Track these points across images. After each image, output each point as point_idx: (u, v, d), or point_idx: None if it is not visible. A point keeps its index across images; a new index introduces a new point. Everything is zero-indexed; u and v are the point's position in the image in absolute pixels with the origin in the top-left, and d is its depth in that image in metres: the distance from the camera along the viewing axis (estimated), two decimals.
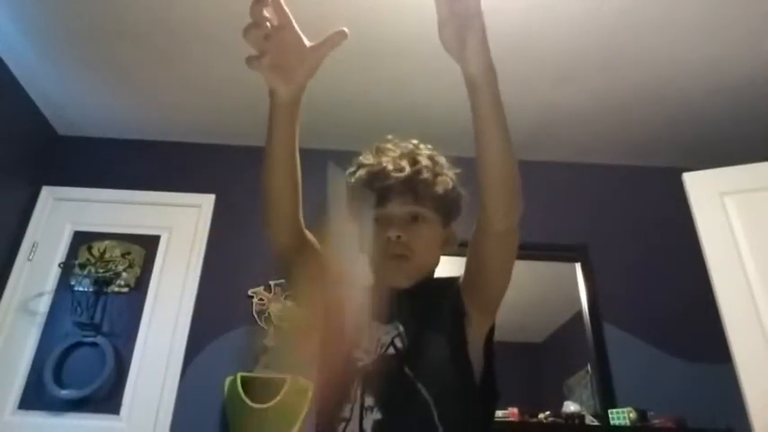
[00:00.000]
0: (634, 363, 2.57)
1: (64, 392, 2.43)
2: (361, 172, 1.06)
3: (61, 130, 3.08)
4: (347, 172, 1.10)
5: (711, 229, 2.32)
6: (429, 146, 1.09)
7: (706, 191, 2.39)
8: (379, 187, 1.02)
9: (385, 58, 2.50)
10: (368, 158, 1.07)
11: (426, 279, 1.06)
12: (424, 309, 1.02)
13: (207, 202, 2.90)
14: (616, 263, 2.81)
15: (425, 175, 1.03)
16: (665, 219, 2.88)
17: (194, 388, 2.47)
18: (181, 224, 2.85)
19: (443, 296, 1.03)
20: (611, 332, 2.63)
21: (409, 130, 3.30)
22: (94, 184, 2.93)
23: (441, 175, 1.05)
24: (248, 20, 0.84)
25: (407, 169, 1.02)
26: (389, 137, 1.11)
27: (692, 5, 2.20)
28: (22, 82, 2.73)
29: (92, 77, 2.71)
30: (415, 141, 1.09)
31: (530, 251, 2.81)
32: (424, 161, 1.04)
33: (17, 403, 2.45)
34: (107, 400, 2.46)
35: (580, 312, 2.70)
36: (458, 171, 1.09)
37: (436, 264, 1.08)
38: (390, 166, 1.03)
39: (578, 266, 2.79)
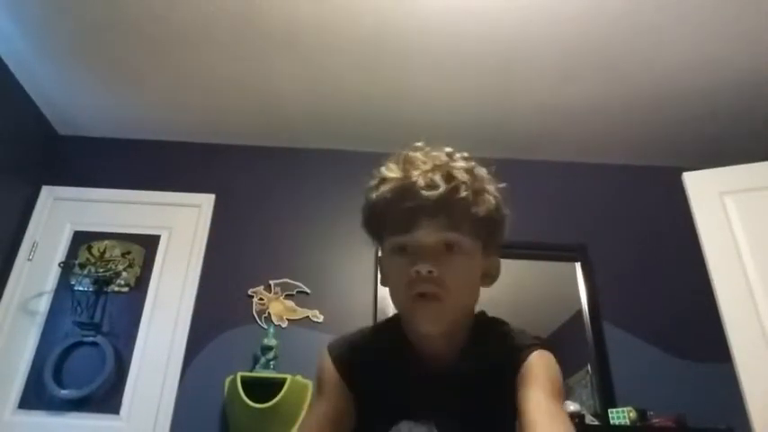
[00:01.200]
0: (634, 362, 2.57)
1: (64, 392, 2.43)
2: (385, 188, 0.85)
3: (61, 130, 3.08)
4: (367, 186, 0.89)
5: (711, 228, 2.32)
6: (465, 154, 0.89)
7: (706, 191, 2.39)
8: (406, 208, 0.82)
9: (385, 58, 2.50)
10: (392, 171, 0.86)
11: (477, 355, 0.86)
12: (470, 407, 0.82)
13: (207, 202, 2.90)
14: (616, 263, 2.81)
15: (463, 193, 0.82)
16: (665, 219, 2.89)
17: (194, 388, 2.47)
18: (181, 224, 2.85)
19: (496, 388, 0.83)
20: (611, 332, 2.63)
21: (409, 130, 3.30)
22: (94, 184, 2.93)
23: (482, 192, 0.85)
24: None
25: (441, 186, 0.81)
26: (419, 144, 0.89)
27: (691, 5, 2.20)
28: (22, 82, 2.73)
29: (92, 77, 2.70)
30: (448, 149, 0.88)
31: (530, 251, 2.81)
32: (462, 176, 0.83)
33: (17, 403, 2.44)
34: (107, 399, 2.46)
35: (580, 312, 2.70)
36: (502, 186, 0.90)
37: (474, 302, 0.89)
38: (421, 182, 0.82)
39: (578, 266, 2.79)
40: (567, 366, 2.69)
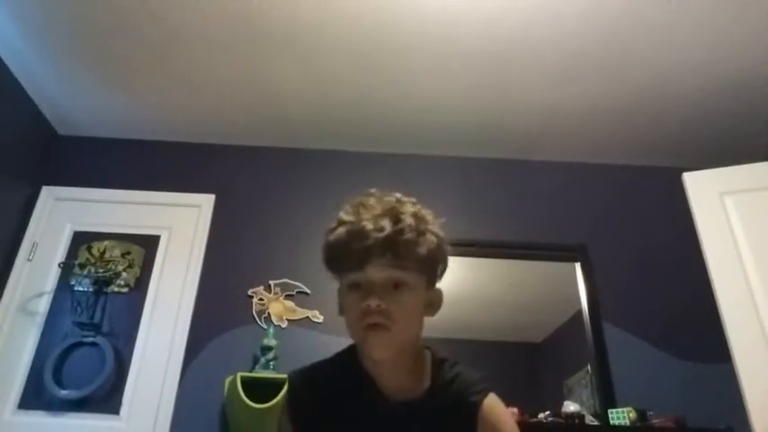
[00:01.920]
0: (634, 363, 2.57)
1: (64, 392, 2.43)
2: (341, 230, 0.97)
3: (61, 130, 3.08)
4: (327, 228, 1.01)
5: (711, 229, 2.32)
6: (413, 199, 1.01)
7: (706, 191, 2.39)
8: (358, 249, 0.94)
9: (385, 58, 2.50)
10: (348, 215, 0.98)
11: (436, 391, 0.98)
12: None
13: (207, 202, 2.90)
14: (616, 263, 2.81)
15: (408, 234, 0.94)
16: (665, 219, 2.89)
17: (194, 388, 2.47)
18: (181, 224, 2.85)
19: (453, 425, 0.95)
20: (611, 332, 2.63)
21: (408, 130, 3.30)
22: (94, 184, 2.93)
23: (425, 233, 0.96)
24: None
25: (388, 229, 0.93)
26: (372, 190, 1.02)
27: (691, 6, 2.20)
28: (22, 82, 2.73)
29: (92, 77, 2.70)
30: (398, 195, 1.00)
31: (530, 251, 2.81)
32: (408, 219, 0.95)
33: (17, 403, 2.44)
34: (107, 400, 2.46)
35: (580, 312, 2.70)
36: (443, 222, 1.01)
37: (419, 331, 1.01)
38: (370, 226, 0.94)
39: (578, 266, 2.79)
40: (567, 366, 2.69)
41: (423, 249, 0.95)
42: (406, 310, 0.94)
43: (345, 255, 0.96)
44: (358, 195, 1.01)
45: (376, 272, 0.93)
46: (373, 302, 0.92)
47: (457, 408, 0.96)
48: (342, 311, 1.01)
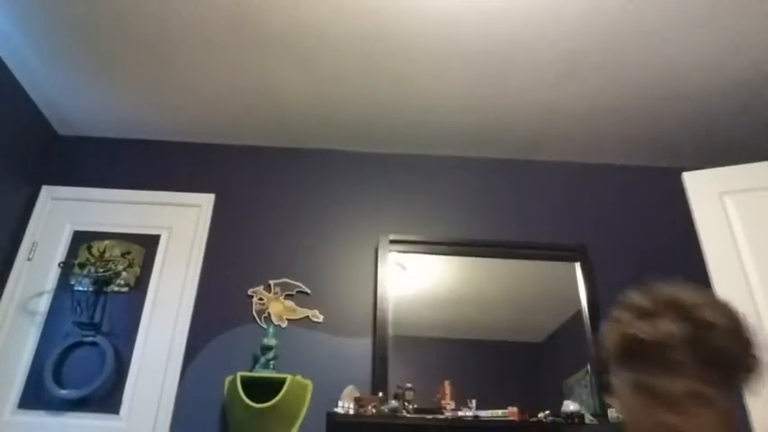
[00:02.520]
0: None
1: (64, 392, 2.43)
2: (644, 328, 0.87)
3: (61, 130, 3.08)
4: (618, 316, 0.91)
5: (711, 228, 2.32)
6: (724, 299, 0.89)
7: (706, 191, 2.39)
8: (653, 351, 0.84)
9: (385, 58, 2.50)
10: (636, 302, 0.89)
11: None
12: None
13: (207, 202, 2.91)
14: (616, 263, 2.81)
15: (716, 340, 0.83)
16: (665, 219, 2.89)
17: (194, 388, 2.47)
18: (181, 224, 2.85)
19: None
20: None
21: (409, 130, 3.29)
22: (94, 183, 2.93)
23: (736, 338, 0.85)
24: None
25: (697, 334, 0.83)
26: (676, 285, 0.91)
27: (691, 6, 2.20)
28: (22, 82, 2.74)
29: (92, 77, 2.70)
30: (707, 293, 0.89)
31: (530, 251, 2.81)
32: (716, 320, 0.84)
33: (17, 403, 2.45)
34: (107, 399, 2.46)
35: (580, 312, 2.70)
36: (755, 328, 0.88)
37: None
38: (667, 328, 0.84)
39: (578, 266, 2.79)
40: (567, 366, 2.69)
41: (732, 358, 0.85)
42: (700, 428, 0.83)
43: (644, 354, 0.86)
44: (662, 287, 0.91)
45: (671, 381, 0.83)
46: (672, 420, 0.82)
47: None
48: (621, 411, 0.92)
